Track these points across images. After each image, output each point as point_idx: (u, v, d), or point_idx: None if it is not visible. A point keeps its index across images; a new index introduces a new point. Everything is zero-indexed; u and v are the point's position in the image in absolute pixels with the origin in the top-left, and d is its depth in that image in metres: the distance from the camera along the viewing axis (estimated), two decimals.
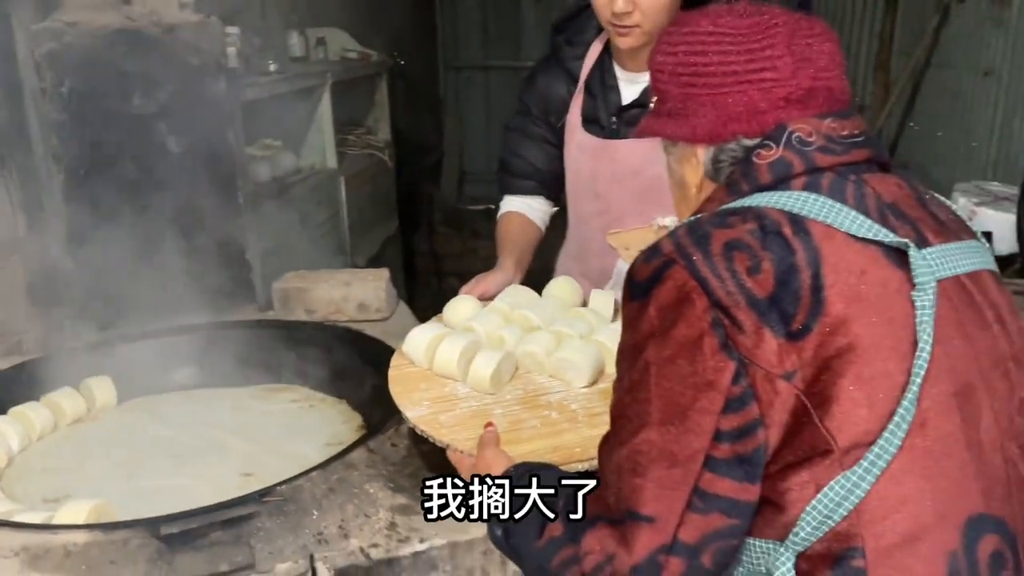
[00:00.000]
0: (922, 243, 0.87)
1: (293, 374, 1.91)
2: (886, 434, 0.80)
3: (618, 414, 0.88)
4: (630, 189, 1.67)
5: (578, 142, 1.72)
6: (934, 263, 0.86)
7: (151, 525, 1.19)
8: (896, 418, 0.80)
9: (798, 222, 0.85)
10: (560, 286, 1.67)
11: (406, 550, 1.21)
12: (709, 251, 0.84)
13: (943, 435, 0.83)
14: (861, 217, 0.86)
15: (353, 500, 1.30)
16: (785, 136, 0.90)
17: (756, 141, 0.91)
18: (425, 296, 5.04)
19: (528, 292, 1.63)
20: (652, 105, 1.01)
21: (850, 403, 0.81)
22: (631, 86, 1.66)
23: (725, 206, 0.90)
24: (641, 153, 1.60)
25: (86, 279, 1.97)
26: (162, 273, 1.98)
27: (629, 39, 1.55)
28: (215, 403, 1.82)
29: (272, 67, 2.78)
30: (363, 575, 1.18)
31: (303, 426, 1.72)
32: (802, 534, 0.82)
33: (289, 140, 3.11)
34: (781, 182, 0.89)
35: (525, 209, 1.83)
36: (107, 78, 1.88)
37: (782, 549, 0.84)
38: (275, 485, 1.29)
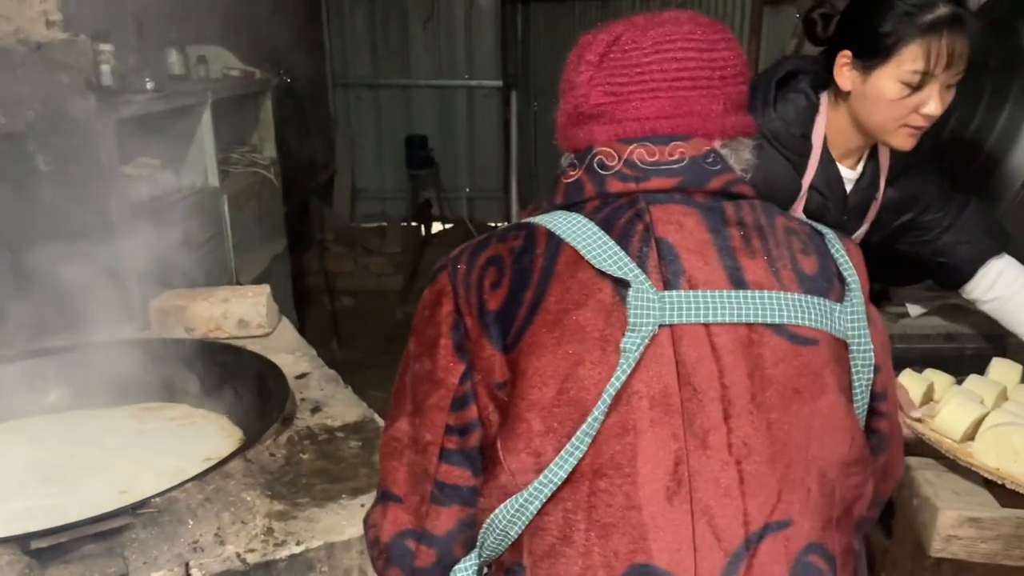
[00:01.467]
0: (674, 285, 0.81)
1: (171, 392, 1.90)
2: (553, 465, 0.79)
3: (392, 399, 0.95)
4: None
5: None
6: (670, 306, 0.80)
7: (21, 541, 1.18)
8: (564, 453, 0.78)
9: (555, 243, 0.85)
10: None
11: (282, 553, 1.24)
12: (474, 263, 0.88)
13: (619, 477, 0.78)
14: (610, 247, 0.82)
15: (230, 508, 1.32)
16: (588, 158, 0.89)
17: (570, 159, 0.94)
18: (316, 315, 5.01)
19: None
20: None
21: (525, 426, 0.81)
22: (850, 183, 1.68)
23: (521, 219, 0.92)
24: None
25: None
26: (34, 294, 1.95)
27: (915, 140, 1.52)
28: (90, 424, 1.79)
29: (149, 85, 2.74)
30: None
31: (182, 442, 1.72)
32: (487, 543, 0.85)
33: (169, 159, 3.06)
34: (574, 204, 0.89)
35: None
36: None
37: (472, 554, 0.88)
38: (150, 497, 1.30)
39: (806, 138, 1.62)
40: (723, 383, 0.79)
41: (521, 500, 0.80)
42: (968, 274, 1.72)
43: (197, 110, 3.11)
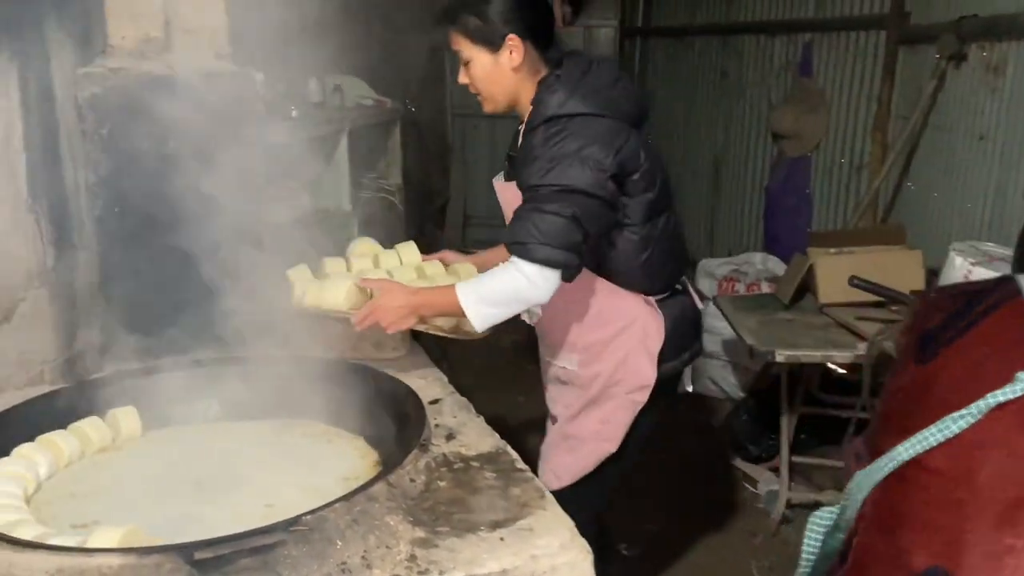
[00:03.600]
0: None
1: (309, 409, 1.96)
2: None
3: None
4: None
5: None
6: None
7: (184, 551, 1.24)
8: None
9: None
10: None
11: None
12: None
13: None
14: None
15: (375, 532, 1.35)
16: None
17: None
18: (427, 338, 5.09)
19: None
20: None
21: None
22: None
23: None
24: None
25: (113, 312, 2.04)
26: (186, 309, 2.06)
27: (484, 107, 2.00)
28: (235, 436, 1.88)
29: (294, 113, 2.88)
30: None
31: (320, 460, 1.78)
32: None
33: (307, 183, 3.20)
34: None
35: None
36: (146, 122, 1.98)
37: None
38: (301, 515, 1.34)
39: None
40: None
41: None
42: None
43: (335, 137, 3.25)
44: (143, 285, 2.04)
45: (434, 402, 1.92)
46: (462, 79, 1.95)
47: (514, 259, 1.80)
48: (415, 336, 2.23)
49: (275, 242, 2.48)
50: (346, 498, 1.39)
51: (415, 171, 5.21)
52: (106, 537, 1.30)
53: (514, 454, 1.68)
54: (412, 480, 1.52)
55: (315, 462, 1.76)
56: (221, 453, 1.78)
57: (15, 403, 1.79)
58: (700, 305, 2.17)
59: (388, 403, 1.87)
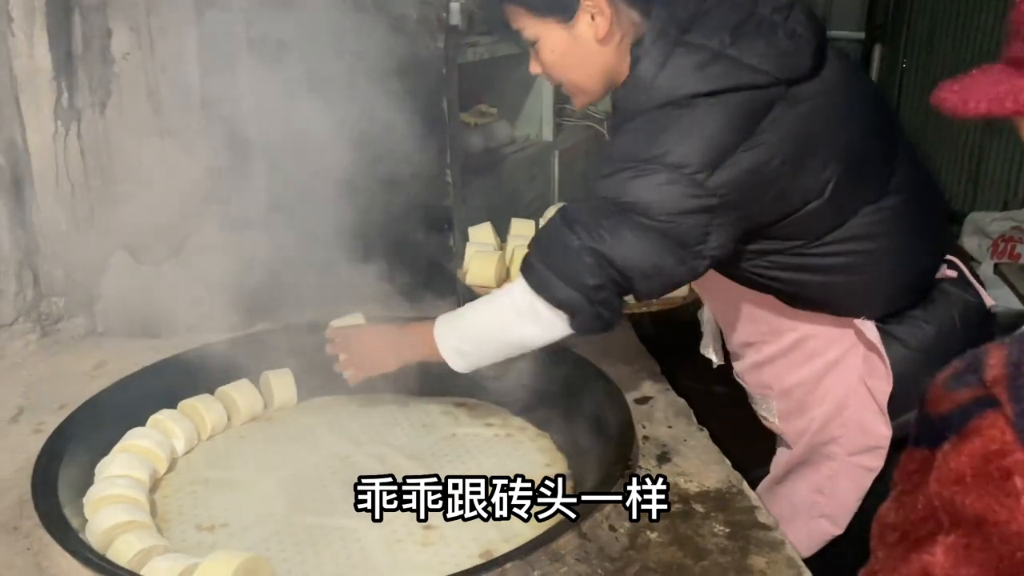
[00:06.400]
0: None
1: (489, 391, 1.61)
2: None
3: None
4: None
5: None
6: None
7: None
8: None
9: None
10: None
11: None
12: None
13: None
14: None
15: None
16: None
17: None
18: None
19: None
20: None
21: None
22: None
23: None
24: None
25: (279, 260, 1.78)
26: (360, 254, 1.76)
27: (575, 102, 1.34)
28: (399, 415, 1.57)
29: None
30: None
31: (497, 460, 1.43)
32: None
33: (504, 108, 2.82)
34: None
35: None
36: (320, 27, 1.66)
37: None
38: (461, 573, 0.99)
39: None
40: None
41: None
42: None
43: None
44: (312, 227, 1.75)
45: (642, 401, 1.50)
46: (533, 68, 1.28)
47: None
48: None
49: (466, 178, 2.13)
50: (520, 556, 1.02)
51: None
52: (219, 568, 1.01)
53: (752, 496, 1.23)
54: (612, 529, 1.12)
55: (488, 467, 1.41)
56: (382, 442, 1.47)
57: (163, 357, 1.57)
58: (989, 301, 1.34)
59: (583, 397, 1.47)
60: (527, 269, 1.21)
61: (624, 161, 1.13)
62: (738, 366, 1.46)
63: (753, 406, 1.46)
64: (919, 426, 0.60)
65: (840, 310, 1.27)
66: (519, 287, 1.22)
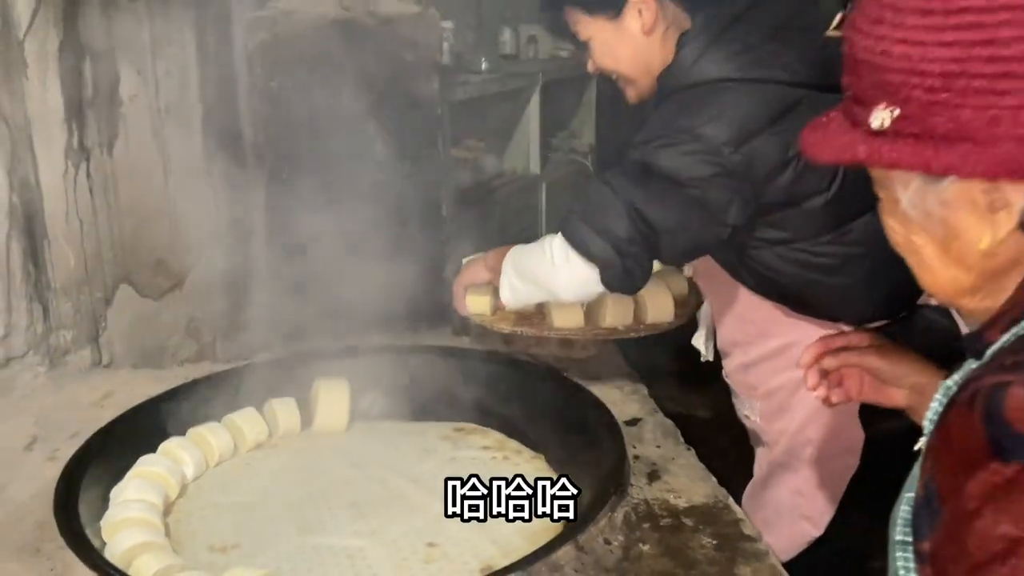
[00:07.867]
0: None
1: (485, 414, 1.68)
2: None
3: None
4: None
5: None
6: None
7: None
8: None
9: None
10: None
11: None
12: None
13: None
14: None
15: None
16: None
17: None
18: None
19: None
20: (878, 120, 0.63)
21: None
22: None
23: None
24: None
25: (278, 286, 1.85)
26: (355, 285, 1.83)
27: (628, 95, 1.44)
28: (401, 441, 1.62)
29: (484, 65, 2.59)
30: None
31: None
32: None
33: (492, 142, 2.92)
34: None
35: None
36: (318, 72, 1.74)
37: None
38: None
39: None
40: None
41: None
42: None
43: (526, 92, 2.93)
44: (311, 258, 1.82)
45: (632, 422, 1.57)
46: (591, 67, 1.42)
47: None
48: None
49: (457, 212, 2.21)
50: (522, 567, 1.08)
51: (607, 130, 4.81)
52: None
53: (737, 510, 1.30)
54: (607, 542, 1.18)
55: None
56: (384, 465, 1.53)
57: (170, 387, 1.62)
58: (963, 326, 1.40)
59: (575, 418, 1.54)
60: (565, 223, 1.33)
61: (659, 131, 1.27)
62: (727, 365, 1.56)
63: (736, 405, 1.57)
64: (1005, 442, 0.56)
65: (828, 312, 1.38)
66: (558, 242, 1.34)
